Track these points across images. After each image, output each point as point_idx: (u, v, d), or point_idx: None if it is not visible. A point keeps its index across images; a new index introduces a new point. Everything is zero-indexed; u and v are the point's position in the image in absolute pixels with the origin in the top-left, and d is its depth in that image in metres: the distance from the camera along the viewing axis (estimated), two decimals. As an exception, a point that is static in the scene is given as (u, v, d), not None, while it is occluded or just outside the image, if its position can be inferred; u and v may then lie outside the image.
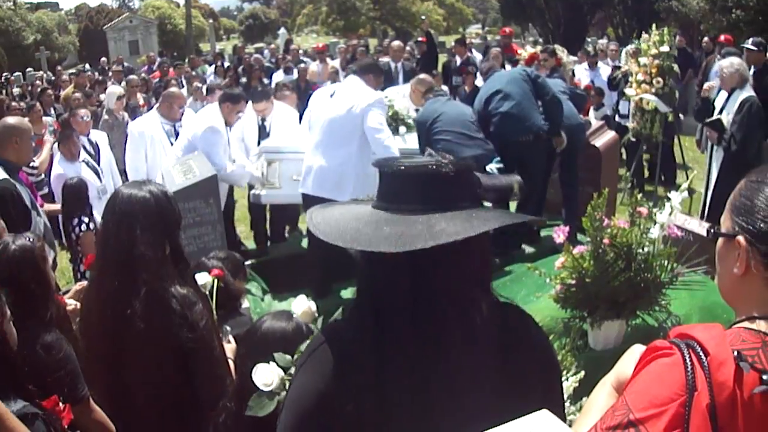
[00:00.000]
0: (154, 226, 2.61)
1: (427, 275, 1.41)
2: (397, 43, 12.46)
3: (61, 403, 2.37)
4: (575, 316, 3.77)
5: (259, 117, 7.37)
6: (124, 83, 12.61)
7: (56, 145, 7.17)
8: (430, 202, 1.43)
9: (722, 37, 10.26)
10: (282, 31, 33.97)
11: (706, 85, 6.95)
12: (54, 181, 6.91)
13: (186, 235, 5.68)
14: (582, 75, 11.81)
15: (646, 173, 10.23)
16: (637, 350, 1.57)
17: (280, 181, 6.48)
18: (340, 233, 1.43)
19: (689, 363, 1.34)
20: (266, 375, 2.17)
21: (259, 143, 7.27)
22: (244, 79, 12.27)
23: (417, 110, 6.85)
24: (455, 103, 7.29)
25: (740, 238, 1.41)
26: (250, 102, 7.16)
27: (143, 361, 2.58)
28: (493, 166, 6.04)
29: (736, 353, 1.30)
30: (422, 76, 7.35)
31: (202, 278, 3.09)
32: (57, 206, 6.33)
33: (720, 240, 1.49)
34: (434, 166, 1.44)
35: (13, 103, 12.00)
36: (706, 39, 10.17)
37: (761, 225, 1.38)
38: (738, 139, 6.54)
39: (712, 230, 1.51)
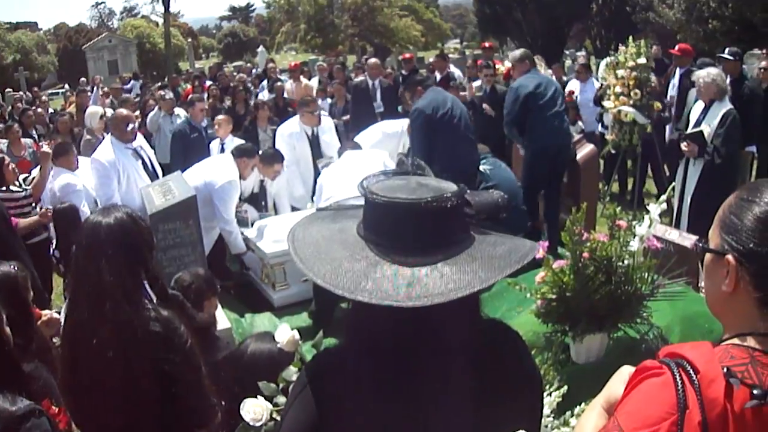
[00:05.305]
0: (119, 254, 2.56)
1: (421, 312, 1.31)
2: (373, 60, 12.38)
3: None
4: (557, 330, 3.76)
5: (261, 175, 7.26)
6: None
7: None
8: (424, 239, 1.36)
9: (676, 48, 9.98)
10: (261, 49, 33.96)
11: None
12: (61, 190, 6.52)
13: (166, 256, 5.65)
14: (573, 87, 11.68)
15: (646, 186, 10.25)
16: (626, 371, 1.56)
17: (290, 281, 6.45)
18: (334, 274, 1.34)
19: (680, 382, 1.34)
20: (255, 410, 2.14)
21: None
22: (228, 102, 12.13)
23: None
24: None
25: (730, 257, 1.39)
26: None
27: (120, 386, 2.53)
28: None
29: (725, 370, 1.30)
30: None
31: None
32: (33, 219, 6.11)
33: (708, 255, 1.47)
34: (428, 203, 1.35)
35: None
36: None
37: (751, 245, 1.36)
38: (722, 152, 6.51)
39: (699, 245, 1.50)
